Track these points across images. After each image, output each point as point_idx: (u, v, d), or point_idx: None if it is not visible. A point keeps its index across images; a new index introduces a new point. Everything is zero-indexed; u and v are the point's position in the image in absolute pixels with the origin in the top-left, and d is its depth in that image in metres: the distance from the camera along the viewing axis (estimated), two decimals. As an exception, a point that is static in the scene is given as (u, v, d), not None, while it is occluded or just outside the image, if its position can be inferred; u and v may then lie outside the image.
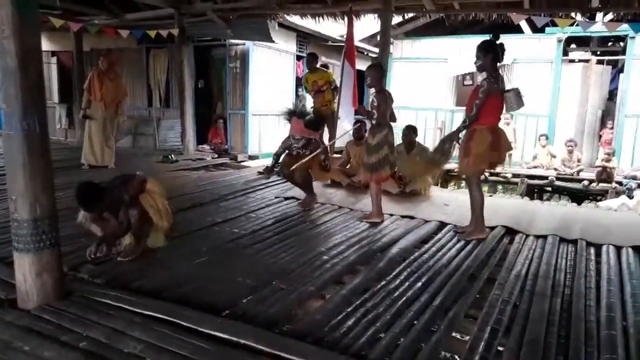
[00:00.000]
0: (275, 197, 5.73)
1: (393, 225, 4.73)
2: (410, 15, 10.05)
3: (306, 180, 5.25)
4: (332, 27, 10.81)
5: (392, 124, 4.82)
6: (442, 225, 4.77)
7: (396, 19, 10.16)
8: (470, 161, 4.14)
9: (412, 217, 4.99)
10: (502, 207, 5.36)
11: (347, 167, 6.67)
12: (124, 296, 2.84)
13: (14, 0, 2.47)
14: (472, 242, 4.17)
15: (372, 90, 4.80)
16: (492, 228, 4.51)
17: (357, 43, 11.78)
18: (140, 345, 2.33)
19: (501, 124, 4.60)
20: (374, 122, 4.62)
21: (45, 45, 11.39)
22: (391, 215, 5.07)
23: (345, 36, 7.54)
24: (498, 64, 4.12)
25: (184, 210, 4.94)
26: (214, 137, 10.09)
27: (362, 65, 12.14)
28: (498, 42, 4.08)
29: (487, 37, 4.24)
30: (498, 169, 8.75)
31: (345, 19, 7.44)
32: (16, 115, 2.55)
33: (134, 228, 3.43)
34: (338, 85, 7.18)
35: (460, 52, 10.78)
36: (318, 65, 7.82)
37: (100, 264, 3.42)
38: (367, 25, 10.00)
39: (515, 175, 10.16)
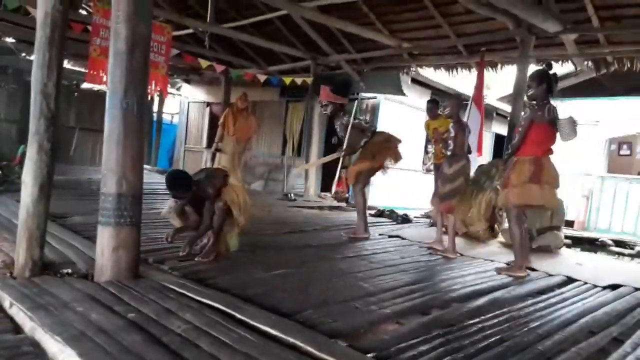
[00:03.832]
0: (379, 235, 5.42)
1: (508, 273, 4.12)
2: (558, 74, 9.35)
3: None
4: (467, 84, 10.46)
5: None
6: (569, 280, 4.03)
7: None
8: (509, 193, 3.97)
9: (533, 269, 4.31)
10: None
11: (468, 215, 6.12)
12: (190, 285, 2.77)
13: (130, -8, 2.73)
14: (605, 300, 3.43)
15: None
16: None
17: (496, 103, 11.32)
18: (185, 326, 2.18)
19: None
20: (448, 152, 4.59)
21: (203, 96, 12.79)
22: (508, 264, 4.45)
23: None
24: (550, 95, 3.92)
25: (283, 234, 4.88)
26: (337, 186, 10.14)
27: (501, 128, 11.49)
28: (551, 72, 3.91)
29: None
30: None
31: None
32: (118, 95, 2.73)
33: (218, 221, 3.41)
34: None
35: (614, 113, 9.67)
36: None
37: (185, 261, 3.43)
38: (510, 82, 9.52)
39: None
